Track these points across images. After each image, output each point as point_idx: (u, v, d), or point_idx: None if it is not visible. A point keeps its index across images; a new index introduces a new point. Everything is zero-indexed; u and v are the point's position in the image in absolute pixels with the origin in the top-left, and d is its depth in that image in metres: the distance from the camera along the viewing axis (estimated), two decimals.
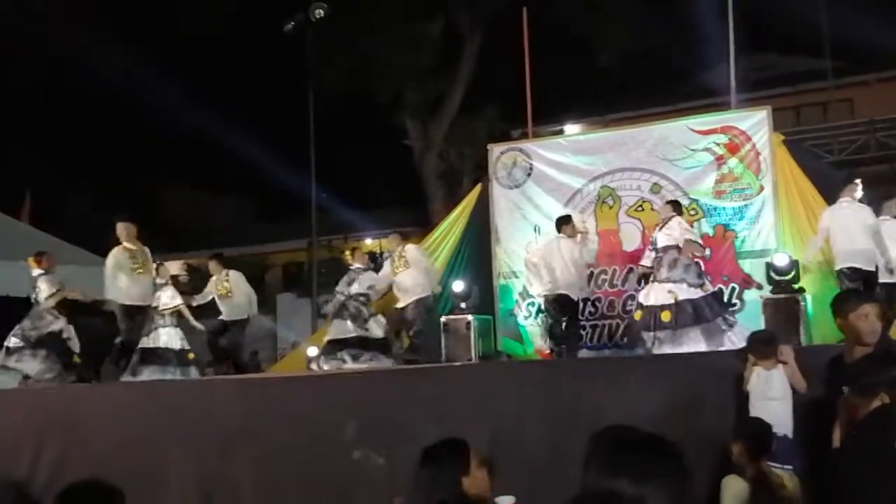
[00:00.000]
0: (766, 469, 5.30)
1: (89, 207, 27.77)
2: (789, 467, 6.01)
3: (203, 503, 7.67)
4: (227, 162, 27.79)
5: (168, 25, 24.71)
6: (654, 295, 10.34)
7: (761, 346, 6.38)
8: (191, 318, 11.88)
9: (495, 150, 13.18)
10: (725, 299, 11.03)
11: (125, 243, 10.96)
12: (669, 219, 10.70)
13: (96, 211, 27.98)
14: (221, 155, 28.20)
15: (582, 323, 11.52)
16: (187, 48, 25.70)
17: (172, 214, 30.59)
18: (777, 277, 10.45)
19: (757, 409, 6.16)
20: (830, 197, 10.36)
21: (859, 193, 10.04)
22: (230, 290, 12.40)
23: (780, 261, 10.49)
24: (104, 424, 8.41)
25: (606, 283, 12.05)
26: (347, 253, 12.95)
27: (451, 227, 13.28)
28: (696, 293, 10.25)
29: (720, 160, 11.59)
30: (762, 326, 9.55)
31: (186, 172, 30.43)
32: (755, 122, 11.62)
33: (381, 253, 26.95)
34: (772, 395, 6.15)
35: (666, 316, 10.10)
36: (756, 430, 5.47)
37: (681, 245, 10.38)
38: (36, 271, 11.34)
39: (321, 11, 12.99)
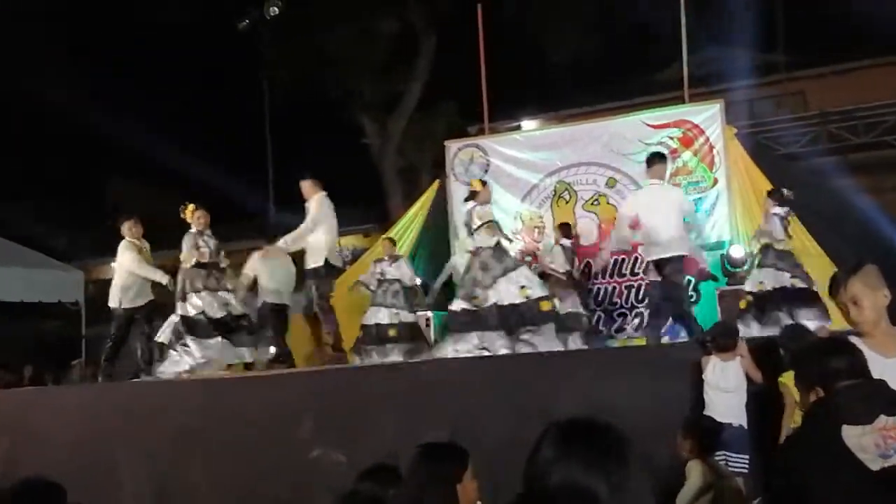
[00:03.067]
0: (712, 463, 5.37)
1: (37, 208, 27.46)
2: (745, 457, 6.10)
3: (157, 503, 7.61)
4: (180, 161, 27.58)
5: (120, 23, 24.46)
6: None
7: (722, 339, 6.47)
8: None
9: (452, 146, 13.22)
10: None
11: (130, 239, 10.51)
12: None
13: (45, 211, 27.67)
14: (175, 154, 27.99)
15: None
16: (140, 43, 25.45)
17: (124, 213, 30.27)
18: (732, 269, 10.59)
19: (712, 400, 6.25)
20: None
21: (668, 174, 9.69)
22: None
23: (736, 253, 10.63)
24: (57, 425, 8.35)
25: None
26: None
27: (410, 224, 13.30)
28: None
29: (674, 154, 11.70)
30: (718, 318, 9.66)
31: (138, 172, 30.18)
32: (708, 116, 11.76)
33: (341, 250, 26.92)
34: (726, 387, 6.23)
35: None
36: (704, 426, 5.53)
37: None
38: None
39: (275, 9, 12.91)
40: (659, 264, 8.48)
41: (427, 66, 23.41)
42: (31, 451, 8.05)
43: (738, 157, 11.49)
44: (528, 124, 21.16)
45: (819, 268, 9.35)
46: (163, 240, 11.29)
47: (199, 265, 9.71)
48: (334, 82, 22.45)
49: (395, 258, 11.72)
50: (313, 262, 9.78)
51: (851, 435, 2.93)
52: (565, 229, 11.36)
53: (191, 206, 10.01)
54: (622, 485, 2.06)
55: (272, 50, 20.71)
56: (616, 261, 11.78)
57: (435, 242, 12.91)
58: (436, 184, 13.59)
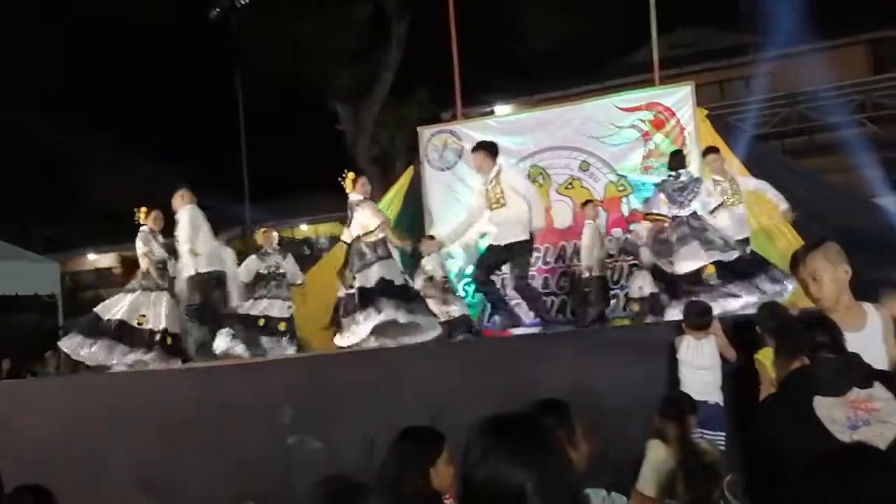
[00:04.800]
0: (690, 440, 5.42)
1: (12, 201, 27.24)
2: (721, 433, 6.18)
3: (144, 494, 7.63)
4: (156, 150, 27.43)
5: (90, 13, 24.25)
6: None
7: (696, 318, 6.54)
8: None
9: (425, 132, 13.23)
10: None
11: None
12: None
13: (21, 204, 27.47)
14: (151, 143, 27.84)
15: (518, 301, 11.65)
16: (111, 34, 25.25)
17: (103, 205, 30.16)
18: None
19: (686, 378, 6.33)
20: (754, 169, 10.59)
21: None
22: None
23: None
24: (37, 418, 8.33)
25: (540, 261, 12.19)
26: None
27: (385, 211, 13.28)
28: None
29: (646, 136, 11.80)
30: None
31: (116, 161, 29.99)
32: (679, 98, 11.84)
33: (317, 238, 26.91)
34: (701, 365, 6.31)
35: None
36: (680, 405, 5.58)
37: None
38: None
39: None
40: None
41: (399, 52, 23.39)
42: (12, 445, 8.03)
43: (709, 139, 11.57)
44: (501, 109, 21.22)
45: (791, 248, 9.44)
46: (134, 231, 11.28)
47: None
48: (307, 69, 22.40)
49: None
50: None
51: (823, 406, 3.00)
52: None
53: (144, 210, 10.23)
54: (547, 477, 2.12)
55: (244, 38, 20.64)
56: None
57: (410, 229, 12.93)
58: (410, 170, 13.60)
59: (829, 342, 3.16)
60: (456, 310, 10.86)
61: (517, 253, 9.06)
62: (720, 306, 8.03)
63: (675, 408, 5.47)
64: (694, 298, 7.57)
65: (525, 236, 8.99)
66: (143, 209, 10.34)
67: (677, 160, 9.37)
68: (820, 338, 3.16)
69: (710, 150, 10.27)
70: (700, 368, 6.31)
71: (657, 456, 5.34)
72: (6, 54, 26.07)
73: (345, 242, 9.58)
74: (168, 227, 10.28)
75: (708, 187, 9.51)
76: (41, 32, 26.90)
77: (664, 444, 5.37)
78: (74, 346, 9.81)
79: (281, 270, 10.98)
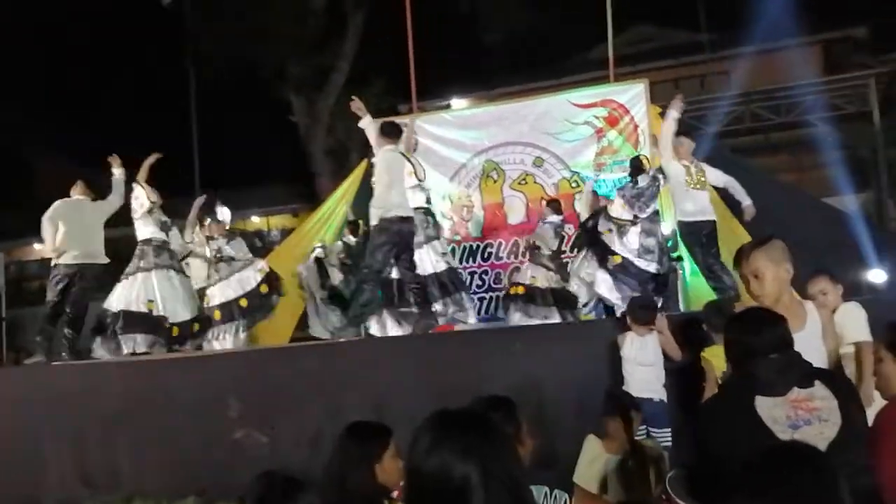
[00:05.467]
0: (631, 437, 5.42)
1: None
2: (667, 430, 6.19)
3: (83, 487, 7.50)
4: (104, 137, 27.00)
5: None
6: None
7: (638, 311, 6.53)
8: None
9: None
10: None
11: None
12: None
13: None
14: (99, 130, 27.42)
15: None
16: (62, 13, 24.85)
17: (50, 194, 29.66)
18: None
19: (630, 374, 6.32)
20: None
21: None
22: None
23: (665, 229, 10.68)
24: None
25: (493, 256, 12.18)
26: None
27: (338, 204, 13.19)
28: None
29: (600, 133, 11.81)
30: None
31: (64, 150, 29.51)
32: (633, 96, 11.87)
33: (269, 231, 26.70)
34: (644, 361, 6.29)
35: None
36: (620, 402, 5.56)
37: None
38: None
39: None
40: None
41: (356, 43, 23.26)
42: None
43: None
44: (457, 103, 21.15)
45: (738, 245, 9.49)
46: None
47: None
48: (261, 59, 22.19)
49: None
50: None
51: (764, 406, 3.00)
52: (555, 206, 11.14)
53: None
54: (493, 471, 2.13)
55: (197, 25, 20.39)
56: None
57: (364, 222, 12.85)
58: (364, 163, 13.49)
59: (772, 341, 3.14)
60: None
61: None
62: None
63: (614, 405, 5.45)
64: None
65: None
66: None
67: (635, 165, 9.44)
68: (763, 337, 3.14)
69: (678, 133, 10.14)
70: (643, 365, 6.29)
71: (592, 452, 5.34)
72: None
73: None
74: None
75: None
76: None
77: (599, 439, 5.36)
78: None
79: (228, 254, 10.78)
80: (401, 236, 8.48)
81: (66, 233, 9.48)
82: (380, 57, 20.99)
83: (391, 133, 9.12)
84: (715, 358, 5.80)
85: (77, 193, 9.85)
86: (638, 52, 21.97)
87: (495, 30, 22.99)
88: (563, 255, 11.19)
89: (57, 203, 9.69)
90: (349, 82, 23.35)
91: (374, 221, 8.56)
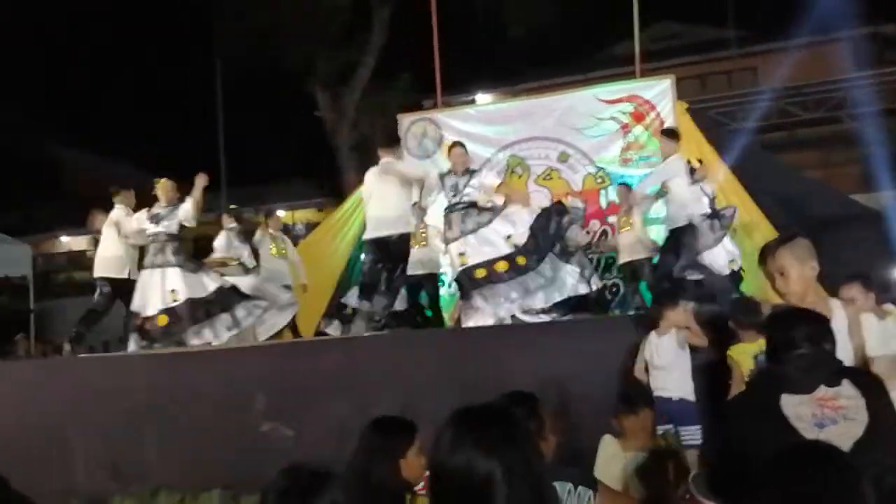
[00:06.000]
0: (649, 435, 5.39)
1: None
2: (695, 428, 6.13)
3: (111, 480, 7.56)
4: (134, 132, 27.23)
5: None
6: None
7: (655, 309, 6.49)
8: None
9: (405, 120, 13.15)
10: None
11: None
12: None
13: None
14: (128, 124, 27.64)
15: None
16: (90, 13, 25.05)
17: (76, 186, 29.92)
18: None
19: (653, 374, 6.25)
20: (731, 163, 10.61)
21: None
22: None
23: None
24: (9, 401, 8.23)
25: None
26: None
27: (361, 201, 13.20)
28: None
29: (625, 129, 11.77)
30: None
31: (91, 142, 29.76)
32: (659, 91, 11.82)
33: (294, 225, 26.80)
34: (658, 364, 6.20)
35: None
36: (633, 400, 5.52)
37: None
38: None
39: None
40: None
41: (382, 38, 23.27)
42: None
43: (688, 132, 11.55)
44: (482, 98, 21.13)
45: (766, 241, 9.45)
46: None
47: None
48: (287, 53, 22.26)
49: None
50: None
51: (790, 404, 2.98)
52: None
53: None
54: (516, 468, 2.15)
55: (223, 20, 20.47)
56: None
57: None
58: None
59: (808, 337, 3.12)
60: None
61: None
62: None
63: (628, 403, 5.42)
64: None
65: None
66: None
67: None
68: (798, 333, 3.12)
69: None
70: (657, 367, 6.21)
71: (608, 451, 5.32)
72: None
73: None
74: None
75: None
76: (14, 17, 26.62)
77: (616, 439, 5.34)
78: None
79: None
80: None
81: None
82: (405, 52, 21.01)
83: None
84: (741, 356, 5.75)
85: (119, 202, 9.89)
86: (664, 48, 21.87)
87: (520, 24, 22.92)
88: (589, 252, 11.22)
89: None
90: (374, 77, 23.40)
91: None
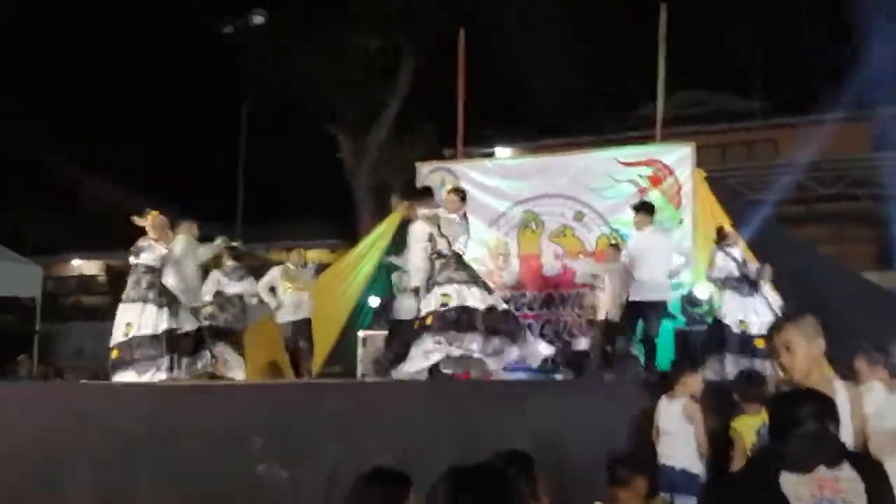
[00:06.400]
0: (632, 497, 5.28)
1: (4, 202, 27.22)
2: (692, 498, 6.04)
3: None
4: (154, 162, 27.40)
5: (101, 24, 24.36)
6: None
7: (670, 375, 6.43)
8: None
9: (423, 168, 13.23)
10: None
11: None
12: None
13: (10, 204, 27.37)
14: (148, 154, 27.83)
15: None
16: (117, 41, 25.37)
17: (92, 211, 30.11)
18: (691, 309, 10.62)
19: (659, 439, 6.20)
20: (746, 233, 10.60)
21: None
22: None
23: (702, 293, 10.61)
24: (5, 422, 8.18)
25: (525, 307, 12.12)
26: None
27: (376, 242, 13.25)
28: None
29: (642, 192, 11.78)
30: (673, 357, 9.70)
31: (110, 169, 29.98)
32: (679, 157, 11.85)
33: (305, 264, 26.80)
34: (666, 428, 6.14)
35: None
36: (627, 468, 5.43)
37: None
38: None
39: (261, 17, 12.87)
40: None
41: (406, 87, 23.49)
42: None
43: (705, 200, 11.57)
44: (502, 151, 21.26)
45: None
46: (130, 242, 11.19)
47: None
48: (314, 95, 22.46)
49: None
50: None
51: (789, 482, 2.97)
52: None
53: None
54: None
55: (252, 57, 20.68)
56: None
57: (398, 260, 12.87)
58: (405, 205, 13.54)
59: (812, 415, 3.09)
60: None
61: None
62: None
63: (621, 471, 5.31)
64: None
65: None
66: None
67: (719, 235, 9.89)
68: (803, 412, 3.09)
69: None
70: (665, 433, 6.14)
71: None
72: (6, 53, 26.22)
73: None
74: None
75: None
76: (43, 38, 27.02)
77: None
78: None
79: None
80: None
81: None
82: (429, 101, 21.18)
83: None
84: (745, 428, 5.70)
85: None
86: (687, 114, 21.97)
87: (545, 81, 23.12)
88: None
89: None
90: (397, 124, 23.57)
91: None
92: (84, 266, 31.42)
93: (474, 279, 8.60)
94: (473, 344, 8.23)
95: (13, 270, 15.70)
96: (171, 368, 9.23)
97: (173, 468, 7.44)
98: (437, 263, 8.61)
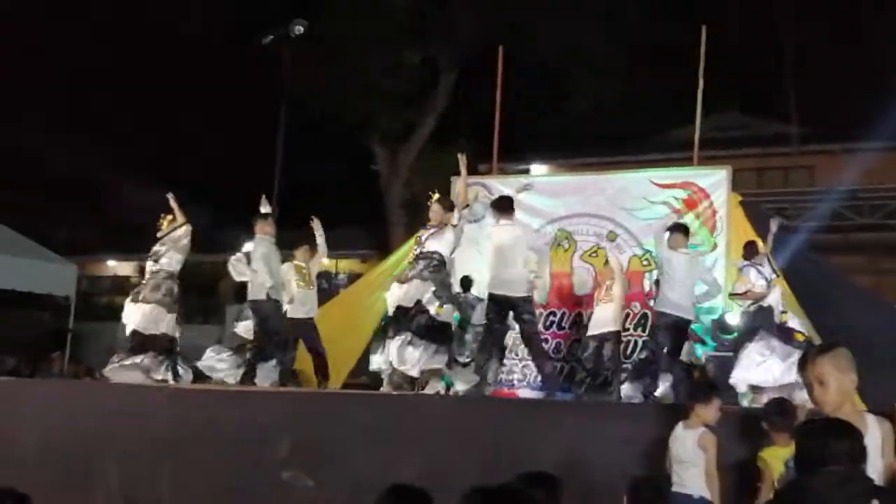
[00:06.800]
0: None
1: (40, 199, 27.55)
2: None
3: None
4: (191, 167, 27.62)
5: (141, 32, 24.61)
6: None
7: (689, 403, 6.32)
8: None
9: (458, 182, 13.20)
10: None
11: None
12: None
13: (48, 203, 27.72)
14: (183, 158, 28.05)
15: (527, 362, 11.52)
16: (157, 48, 25.62)
17: (127, 213, 30.35)
18: (722, 335, 10.54)
19: (673, 470, 6.05)
20: (780, 260, 10.51)
21: None
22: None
23: (734, 319, 10.52)
24: (36, 420, 8.29)
25: (555, 325, 12.08)
26: None
27: (407, 254, 13.24)
28: None
29: (677, 214, 11.67)
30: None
31: (144, 172, 30.21)
32: (715, 181, 11.77)
33: (337, 274, 26.89)
34: (677, 456, 5.99)
35: None
36: (645, 492, 5.37)
37: None
38: None
39: (301, 28, 12.94)
40: None
41: (444, 101, 23.56)
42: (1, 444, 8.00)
43: (740, 225, 11.48)
44: (537, 169, 21.25)
45: None
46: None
47: None
48: (352, 107, 22.56)
49: None
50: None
51: None
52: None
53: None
54: None
55: (293, 68, 20.81)
56: None
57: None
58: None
59: (846, 452, 3.05)
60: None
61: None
62: None
63: (639, 494, 5.25)
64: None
65: None
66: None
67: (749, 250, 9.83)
68: (836, 447, 3.05)
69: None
70: (678, 461, 6.01)
71: None
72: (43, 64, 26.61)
73: None
74: None
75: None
76: (82, 45, 27.31)
77: None
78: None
79: None
80: None
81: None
82: (466, 115, 21.22)
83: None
84: (773, 459, 5.63)
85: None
86: (723, 138, 21.84)
87: (583, 100, 23.11)
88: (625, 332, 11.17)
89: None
90: (433, 138, 23.63)
91: None
92: (118, 267, 31.69)
93: None
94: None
95: (49, 269, 15.90)
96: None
97: (198, 469, 7.51)
98: None
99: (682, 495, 5.82)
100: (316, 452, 7.23)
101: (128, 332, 9.74)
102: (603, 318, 10.28)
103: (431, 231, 9.66)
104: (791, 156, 23.49)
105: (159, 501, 7.54)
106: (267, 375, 9.81)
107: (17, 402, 8.72)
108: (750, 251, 9.92)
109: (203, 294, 24.28)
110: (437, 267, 9.25)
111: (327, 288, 13.33)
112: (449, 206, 9.65)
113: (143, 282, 10.15)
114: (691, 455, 5.96)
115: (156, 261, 10.05)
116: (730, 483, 6.08)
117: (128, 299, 10.09)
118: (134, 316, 9.73)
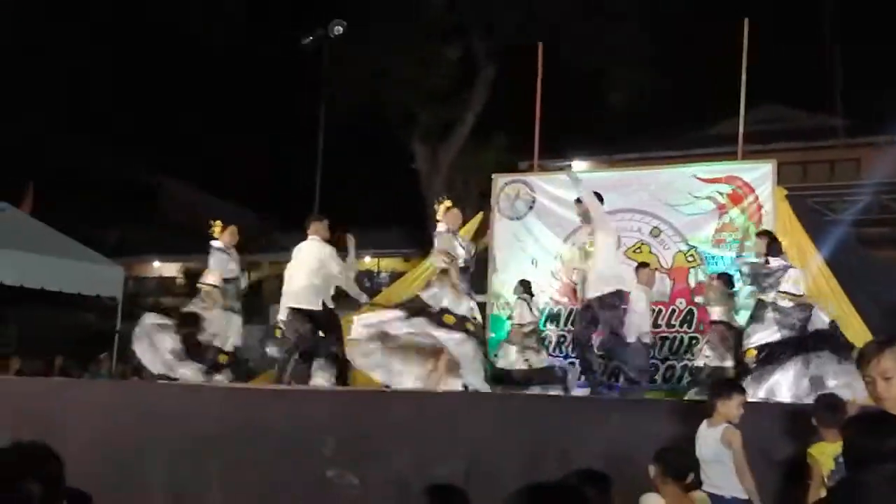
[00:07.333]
0: (679, 491, 5.14)
1: (90, 203, 27.92)
2: None
3: None
4: (233, 169, 27.89)
5: (182, 35, 24.82)
6: None
7: (710, 396, 6.25)
8: None
9: (499, 180, 13.19)
10: None
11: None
12: None
13: (96, 205, 28.09)
14: (229, 160, 28.32)
15: (572, 360, 11.49)
16: (200, 49, 25.85)
17: (172, 215, 30.68)
18: None
19: (701, 469, 5.93)
20: (827, 254, 10.38)
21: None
22: None
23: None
24: (80, 419, 8.39)
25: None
26: None
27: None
28: None
29: (722, 209, 11.57)
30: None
31: (191, 173, 30.55)
32: (760, 175, 11.61)
33: (378, 273, 26.99)
34: (704, 457, 5.88)
35: None
36: (672, 456, 5.30)
37: None
38: None
39: (340, 28, 12.99)
40: None
41: (483, 98, 23.52)
42: (53, 443, 8.09)
43: (786, 219, 11.33)
44: (578, 165, 21.11)
45: (858, 340, 9.19)
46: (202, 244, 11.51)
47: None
48: (391, 105, 22.62)
49: None
50: None
51: None
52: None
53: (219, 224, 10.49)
54: None
55: (333, 68, 20.93)
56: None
57: (473, 275, 12.83)
58: (479, 216, 13.53)
59: None
60: (536, 360, 10.83)
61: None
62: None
63: (673, 466, 5.18)
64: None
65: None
66: (219, 223, 10.55)
67: (773, 247, 9.53)
68: (892, 442, 2.97)
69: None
70: (703, 461, 5.86)
71: None
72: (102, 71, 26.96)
73: None
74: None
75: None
76: (131, 51, 27.65)
77: (660, 497, 5.10)
78: None
79: None
80: None
81: None
82: (505, 112, 21.16)
83: None
84: (822, 456, 5.54)
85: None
86: (767, 131, 21.60)
87: (623, 94, 22.94)
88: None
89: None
90: (473, 135, 23.60)
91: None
92: (164, 268, 32.04)
93: None
94: None
95: (96, 270, 16.08)
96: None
97: (244, 468, 7.56)
98: None
99: (715, 496, 5.72)
100: (360, 451, 7.25)
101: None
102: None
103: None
104: (836, 148, 23.18)
105: (206, 500, 7.60)
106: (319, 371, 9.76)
107: (68, 401, 8.84)
108: (773, 246, 9.69)
109: (246, 294, 24.46)
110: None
111: (369, 286, 13.34)
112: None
113: None
114: (716, 453, 5.87)
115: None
116: (779, 479, 6.01)
117: None
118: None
